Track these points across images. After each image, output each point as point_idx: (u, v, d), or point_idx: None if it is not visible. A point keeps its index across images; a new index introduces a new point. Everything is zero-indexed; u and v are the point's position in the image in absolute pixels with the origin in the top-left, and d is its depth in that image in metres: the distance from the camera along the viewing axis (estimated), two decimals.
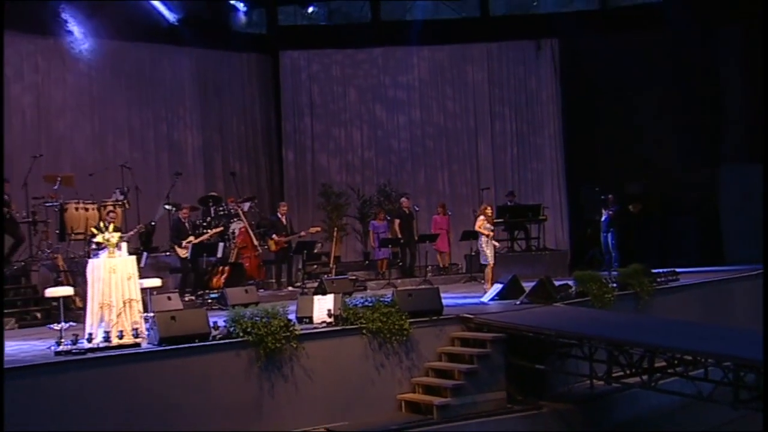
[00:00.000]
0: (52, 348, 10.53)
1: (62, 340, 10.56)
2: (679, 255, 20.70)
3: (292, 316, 11.82)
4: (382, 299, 12.11)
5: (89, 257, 12.17)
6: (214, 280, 16.72)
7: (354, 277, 18.28)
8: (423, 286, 15.36)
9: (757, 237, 20.74)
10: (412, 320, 11.94)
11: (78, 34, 19.54)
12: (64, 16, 19.27)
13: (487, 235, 15.82)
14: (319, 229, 18.67)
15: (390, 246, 19.66)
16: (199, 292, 16.26)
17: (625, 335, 11.15)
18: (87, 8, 19.38)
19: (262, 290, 16.90)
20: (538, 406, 11.79)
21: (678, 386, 11.00)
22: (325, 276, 17.40)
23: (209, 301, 15.88)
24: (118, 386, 10.02)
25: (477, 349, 11.91)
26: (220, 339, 10.83)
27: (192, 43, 21.55)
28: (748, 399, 9.82)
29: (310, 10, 23.45)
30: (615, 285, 14.69)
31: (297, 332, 11.07)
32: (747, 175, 21.28)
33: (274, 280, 17.95)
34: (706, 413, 11.56)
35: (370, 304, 11.89)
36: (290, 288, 17.34)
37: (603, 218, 20.00)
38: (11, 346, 11.81)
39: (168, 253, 17.48)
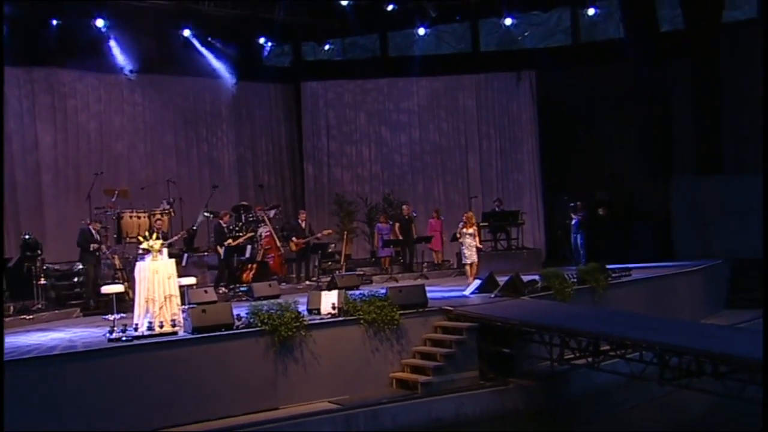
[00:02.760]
0: (106, 335, 10.79)
1: (114, 329, 10.82)
2: (636, 253, 20.75)
3: (303, 307, 12.05)
4: (377, 294, 12.26)
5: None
6: (244, 275, 16.82)
7: (361, 273, 18.44)
8: (412, 283, 15.34)
9: (702, 237, 21.01)
10: (402, 312, 12.05)
11: (133, 70, 20.02)
12: (123, 56, 19.73)
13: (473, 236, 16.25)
14: (330, 231, 18.85)
15: (392, 246, 19.92)
16: (231, 286, 16.40)
17: (575, 325, 11.29)
18: (141, 49, 19.84)
19: (284, 284, 17.10)
20: (506, 383, 11.87)
21: (621, 366, 11.12)
22: (337, 272, 17.68)
23: (239, 293, 16.02)
24: (159, 367, 10.28)
25: (455, 336, 12.02)
26: (242, 328, 11.01)
27: (229, 76, 21.87)
28: (670, 377, 10.04)
29: (327, 47, 23.71)
30: (575, 280, 14.69)
31: (305, 322, 11.23)
32: (694, 185, 21.45)
33: (294, 276, 18.14)
34: (645, 389, 11.56)
35: (368, 299, 12.03)
36: (307, 282, 17.48)
37: (573, 222, 20.17)
38: (75, 333, 12.29)
39: (206, 253, 17.80)
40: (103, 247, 15.78)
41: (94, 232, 15.47)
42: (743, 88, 21.52)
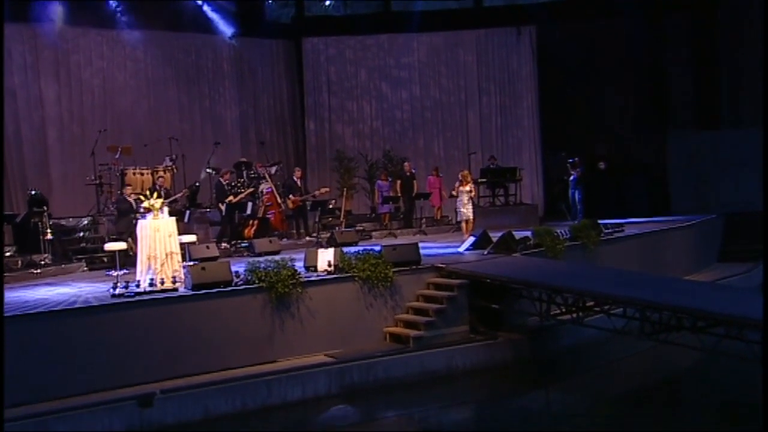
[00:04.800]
0: (110, 291, 11.10)
1: (117, 285, 11.15)
2: (633, 208, 21.10)
3: (300, 264, 12.39)
4: (372, 252, 12.55)
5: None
6: (245, 231, 17.03)
7: (361, 228, 18.84)
8: (406, 241, 15.37)
9: (697, 191, 21.32)
10: (395, 269, 12.33)
11: (136, 26, 20.15)
12: (125, 12, 19.86)
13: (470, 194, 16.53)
14: (327, 189, 18.89)
15: (392, 202, 20.20)
16: (232, 242, 16.68)
17: (561, 282, 11.59)
18: (143, 5, 19.94)
19: (285, 239, 17.40)
20: (495, 337, 12.18)
21: (605, 322, 11.37)
22: (337, 228, 18.01)
23: (241, 249, 16.31)
24: (160, 323, 10.64)
25: (447, 292, 12.31)
26: (240, 285, 11.30)
27: (231, 33, 21.87)
28: (650, 332, 10.40)
29: (327, 2, 23.65)
30: (568, 236, 14.87)
31: (301, 279, 11.54)
32: (690, 139, 21.69)
33: (295, 231, 18.32)
34: (631, 343, 11.76)
35: (362, 256, 12.28)
36: (307, 238, 17.68)
37: (571, 178, 20.29)
38: (81, 287, 12.63)
39: (209, 210, 18.10)
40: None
41: (132, 202, 14.87)
42: (742, 42, 21.58)
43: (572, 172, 20.21)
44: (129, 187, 15.56)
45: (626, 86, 22.79)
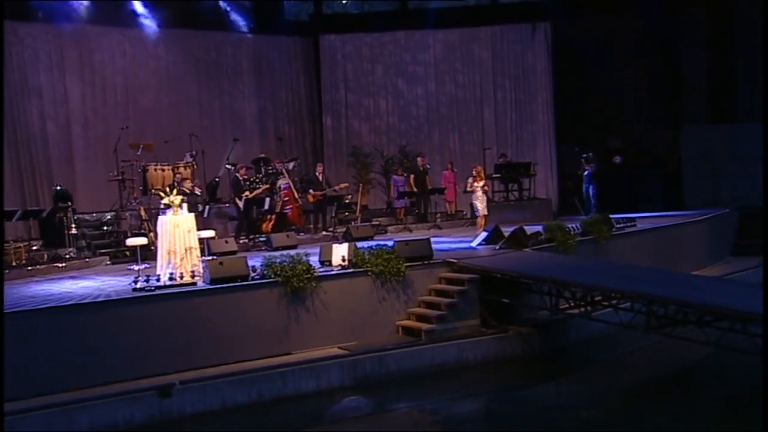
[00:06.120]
0: (131, 285, 11.37)
1: (138, 279, 11.39)
2: (647, 203, 21.12)
3: (315, 259, 12.63)
4: (385, 247, 12.74)
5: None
6: (263, 226, 17.27)
7: (377, 223, 18.98)
8: (419, 237, 15.34)
9: (712, 186, 21.24)
10: (408, 264, 12.48)
11: (157, 25, 20.42)
12: (146, 11, 20.14)
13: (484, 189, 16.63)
14: (346, 185, 19.10)
15: (407, 197, 20.29)
16: (251, 236, 16.92)
17: (569, 277, 11.71)
18: (164, 4, 20.22)
19: (302, 234, 17.63)
20: (505, 330, 12.34)
21: (613, 316, 11.47)
22: (353, 222, 18.20)
23: (259, 243, 16.52)
24: (179, 315, 10.86)
25: (458, 287, 12.48)
26: (256, 279, 11.52)
27: (249, 30, 22.10)
28: (657, 326, 10.53)
29: (345, 0, 23.80)
30: (579, 231, 14.85)
31: (316, 274, 11.73)
32: (704, 133, 21.61)
33: (312, 226, 18.53)
34: (640, 337, 11.71)
35: (375, 251, 12.46)
36: (324, 232, 17.90)
37: (586, 173, 20.37)
38: (103, 281, 12.93)
39: (228, 205, 18.36)
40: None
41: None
42: (758, 35, 21.39)
43: (587, 167, 20.28)
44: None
45: (641, 80, 22.76)
